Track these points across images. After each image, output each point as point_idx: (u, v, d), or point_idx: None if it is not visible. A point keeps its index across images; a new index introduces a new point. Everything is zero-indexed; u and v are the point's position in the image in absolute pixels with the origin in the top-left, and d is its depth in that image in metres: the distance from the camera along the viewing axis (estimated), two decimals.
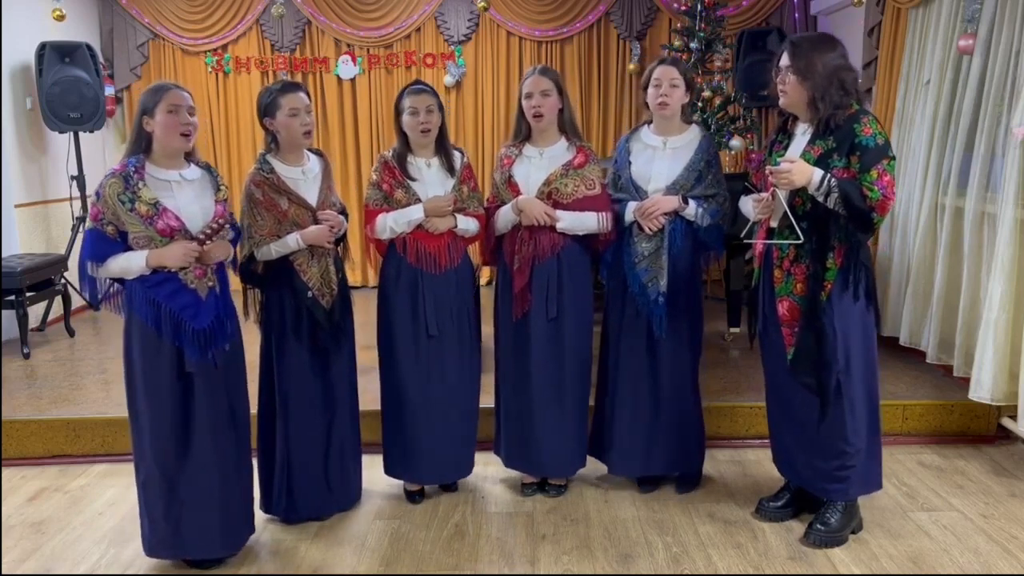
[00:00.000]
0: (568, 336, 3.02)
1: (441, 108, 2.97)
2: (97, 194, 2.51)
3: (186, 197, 2.56)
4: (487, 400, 3.30)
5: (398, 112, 2.95)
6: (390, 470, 3.15)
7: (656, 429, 3.08)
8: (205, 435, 2.58)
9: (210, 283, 2.57)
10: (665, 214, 2.94)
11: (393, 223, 2.92)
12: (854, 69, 2.64)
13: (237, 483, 2.69)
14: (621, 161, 3.09)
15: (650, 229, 2.95)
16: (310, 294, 2.83)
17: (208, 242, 2.53)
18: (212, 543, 2.65)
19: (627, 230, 3.01)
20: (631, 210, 2.98)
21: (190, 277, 2.52)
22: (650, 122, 3.09)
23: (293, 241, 2.79)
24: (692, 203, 2.94)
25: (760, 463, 3.43)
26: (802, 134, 2.71)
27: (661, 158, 3.01)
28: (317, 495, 2.98)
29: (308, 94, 2.88)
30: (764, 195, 2.71)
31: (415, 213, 2.92)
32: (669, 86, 2.93)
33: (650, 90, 2.98)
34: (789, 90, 2.64)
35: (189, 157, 2.64)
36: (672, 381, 3.05)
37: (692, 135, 3.03)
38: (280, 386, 2.91)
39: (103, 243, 2.49)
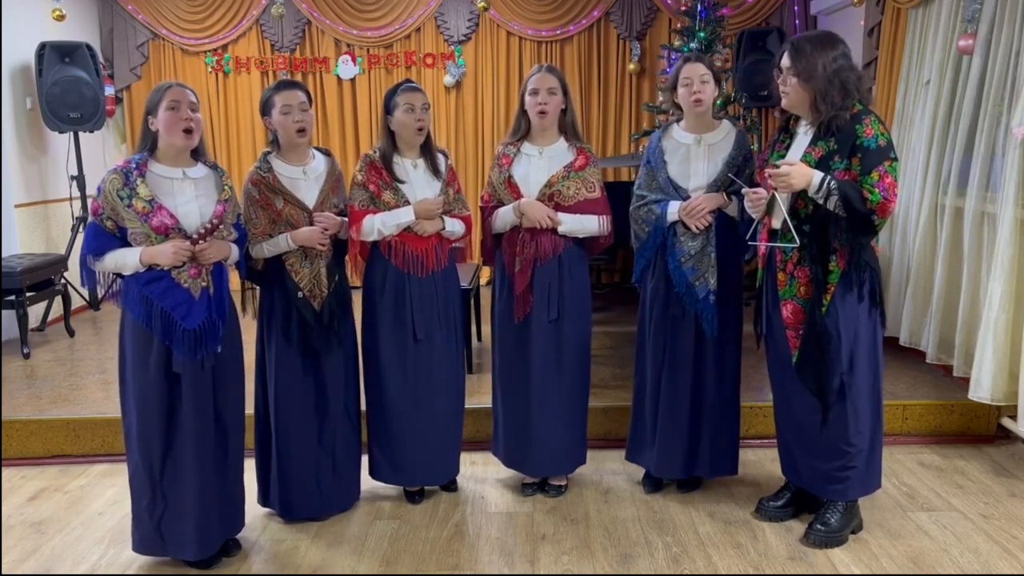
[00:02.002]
0: (568, 337, 3.02)
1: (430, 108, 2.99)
2: (98, 189, 2.54)
3: (185, 196, 2.56)
4: (482, 399, 3.30)
5: (389, 109, 2.93)
6: (376, 473, 3.13)
7: (701, 430, 3.06)
8: (188, 436, 2.58)
9: (203, 283, 2.56)
10: (710, 211, 2.91)
11: (381, 225, 2.90)
12: (856, 68, 2.61)
13: (217, 487, 2.67)
14: (655, 161, 3.03)
15: (697, 228, 2.92)
16: (300, 295, 2.83)
17: (201, 242, 2.52)
18: (186, 545, 2.64)
19: (670, 230, 2.97)
20: (675, 210, 2.94)
21: (184, 276, 2.52)
22: (679, 120, 3.07)
23: (284, 241, 2.79)
24: (734, 199, 2.92)
25: (760, 463, 3.43)
26: (804, 133, 2.70)
27: (698, 155, 2.97)
28: (309, 496, 2.97)
29: (306, 91, 2.87)
30: (758, 190, 2.70)
31: (405, 216, 2.91)
32: (700, 82, 2.89)
33: (681, 90, 2.93)
34: (791, 91, 2.62)
35: (197, 156, 2.65)
36: (719, 381, 3.03)
37: (726, 130, 2.99)
38: (270, 385, 2.91)
39: (101, 238, 2.52)
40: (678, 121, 3.07)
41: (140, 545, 2.70)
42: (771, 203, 2.69)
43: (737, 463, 3.16)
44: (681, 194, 2.96)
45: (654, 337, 3.06)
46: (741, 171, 2.93)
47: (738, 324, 3.05)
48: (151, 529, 2.64)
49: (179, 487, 2.60)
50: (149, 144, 2.57)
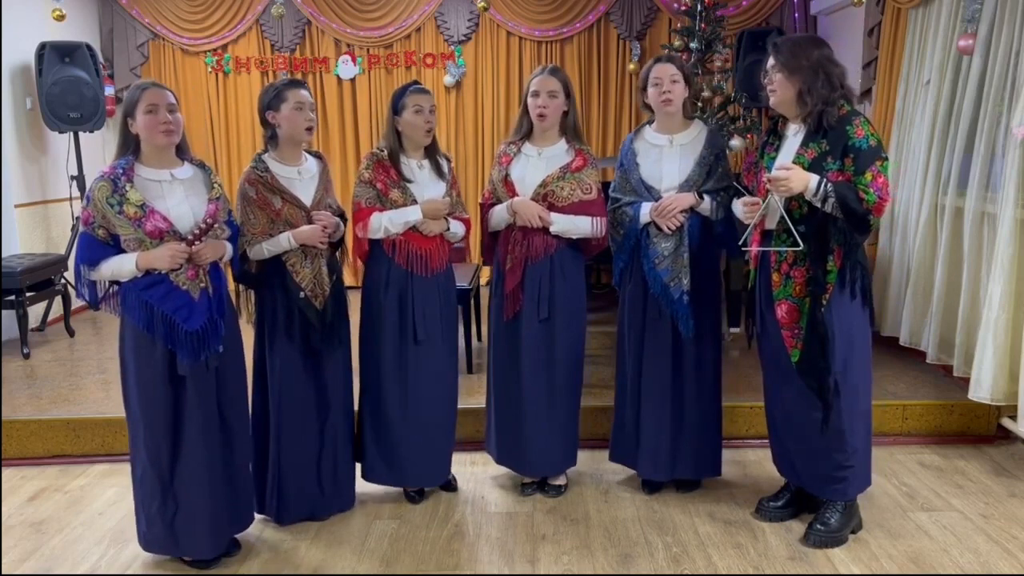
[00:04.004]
0: (559, 338, 3.02)
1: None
2: (87, 198, 2.51)
3: (176, 197, 2.55)
4: (482, 399, 3.30)
5: (397, 110, 2.93)
6: (371, 475, 3.10)
7: (682, 431, 3.06)
8: (196, 437, 2.58)
9: (202, 284, 2.55)
10: (682, 211, 2.92)
11: (389, 223, 2.90)
12: (840, 65, 2.64)
13: (227, 485, 2.68)
14: (628, 163, 3.05)
15: (669, 228, 2.92)
16: (302, 294, 2.82)
17: (197, 242, 2.52)
18: (202, 544, 2.66)
19: (643, 231, 2.98)
20: (647, 211, 2.94)
21: (182, 278, 2.51)
22: (651, 122, 3.08)
23: (285, 240, 2.78)
24: (707, 198, 2.92)
25: (760, 463, 3.43)
26: (793, 135, 2.71)
27: (670, 156, 2.99)
28: (308, 497, 2.97)
29: (311, 92, 2.89)
30: (755, 199, 2.71)
31: (413, 214, 2.91)
32: (670, 82, 2.90)
33: (651, 90, 2.95)
34: (778, 87, 2.64)
35: (183, 155, 2.64)
36: (698, 381, 3.03)
37: (697, 130, 3.00)
38: (272, 387, 2.90)
39: (94, 247, 2.50)
40: (650, 123, 3.08)
41: (152, 545, 2.70)
42: (765, 206, 2.69)
43: (720, 464, 3.16)
44: (653, 195, 2.97)
45: (633, 339, 3.07)
46: (713, 170, 2.94)
47: (716, 324, 3.06)
48: (164, 530, 2.64)
49: (190, 488, 2.60)
50: (131, 147, 2.55)
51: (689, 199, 2.91)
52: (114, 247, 2.50)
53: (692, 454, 3.09)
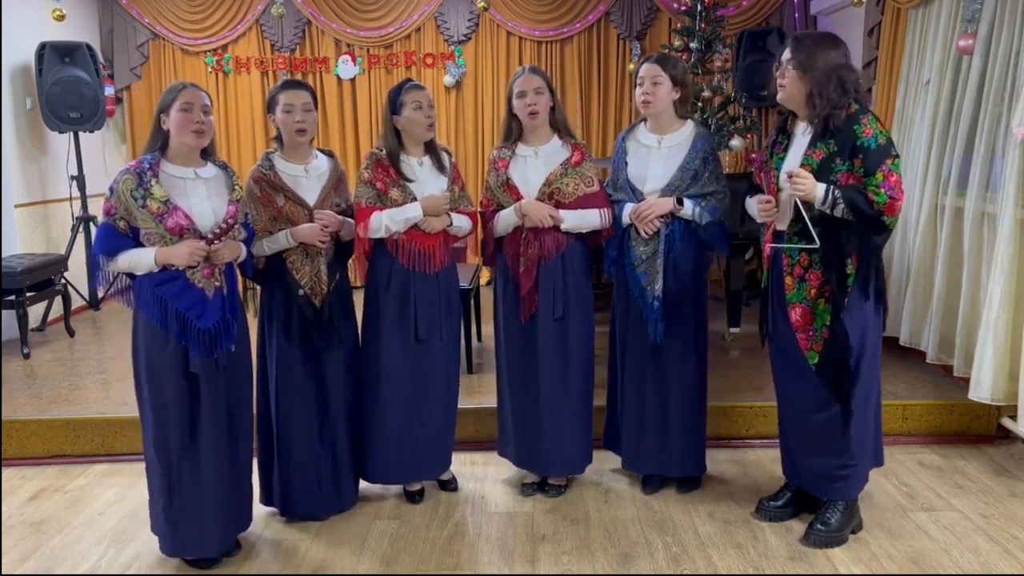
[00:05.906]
0: (573, 335, 3.03)
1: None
2: (111, 189, 2.53)
3: (199, 196, 2.58)
4: (483, 400, 3.30)
5: (395, 108, 2.93)
6: (370, 474, 3.10)
7: (665, 430, 3.07)
8: (207, 436, 2.59)
9: (217, 283, 2.57)
10: (660, 217, 2.93)
11: (389, 221, 2.90)
12: (856, 70, 2.61)
13: (232, 483, 2.69)
14: (618, 160, 3.07)
15: (646, 233, 2.94)
16: (301, 292, 2.83)
17: (216, 242, 2.53)
18: (208, 542, 2.66)
19: (626, 232, 3.00)
20: (627, 213, 2.97)
21: (197, 276, 2.53)
22: (646, 120, 3.08)
23: (283, 238, 2.80)
24: (688, 203, 2.92)
25: (760, 463, 3.43)
26: (802, 134, 2.69)
27: (656, 158, 2.99)
28: (310, 495, 2.97)
29: (312, 93, 2.89)
30: (768, 196, 2.71)
31: (413, 212, 2.91)
32: (651, 84, 2.91)
33: (636, 89, 2.97)
34: (788, 83, 2.63)
35: (207, 156, 2.66)
36: (677, 382, 3.04)
37: (686, 133, 2.99)
38: (271, 383, 2.92)
39: (114, 238, 2.51)
40: (644, 121, 3.08)
41: (163, 547, 2.70)
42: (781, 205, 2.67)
43: (704, 461, 3.17)
44: (637, 196, 2.98)
45: (620, 334, 3.11)
46: (699, 175, 2.94)
47: (699, 327, 3.05)
48: (168, 531, 2.64)
49: (197, 486, 2.60)
50: (160, 143, 2.58)
51: (666, 205, 2.91)
52: (133, 239, 2.52)
53: (675, 451, 3.10)
